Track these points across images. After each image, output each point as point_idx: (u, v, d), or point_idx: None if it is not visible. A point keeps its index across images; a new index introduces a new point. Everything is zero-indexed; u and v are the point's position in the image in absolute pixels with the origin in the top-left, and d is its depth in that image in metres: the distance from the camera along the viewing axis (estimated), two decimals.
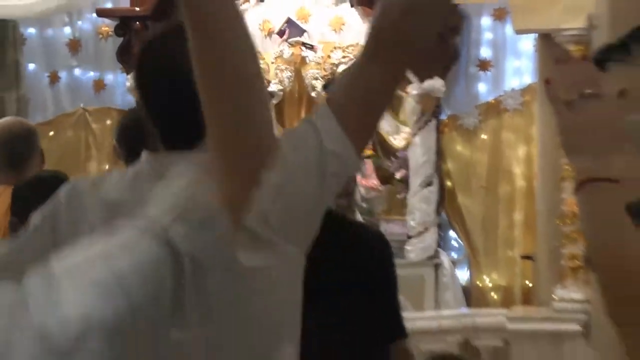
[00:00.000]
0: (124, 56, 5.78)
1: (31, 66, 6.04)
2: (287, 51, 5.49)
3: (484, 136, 5.82)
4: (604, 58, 1.29)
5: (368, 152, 5.57)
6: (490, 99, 5.78)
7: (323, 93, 5.55)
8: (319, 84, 5.53)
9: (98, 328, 0.84)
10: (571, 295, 4.94)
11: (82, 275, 0.86)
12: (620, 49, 1.28)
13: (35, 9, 5.71)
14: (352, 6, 5.58)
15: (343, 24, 5.55)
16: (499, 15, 5.51)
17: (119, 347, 0.85)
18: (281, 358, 1.35)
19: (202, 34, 0.97)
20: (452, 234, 6.16)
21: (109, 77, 6.23)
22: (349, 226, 2.74)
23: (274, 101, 5.63)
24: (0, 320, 0.81)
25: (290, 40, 5.46)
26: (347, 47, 5.57)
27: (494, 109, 5.76)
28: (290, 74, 5.62)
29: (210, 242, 0.93)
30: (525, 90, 5.66)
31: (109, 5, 6.00)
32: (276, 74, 5.63)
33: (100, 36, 6.05)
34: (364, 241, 2.61)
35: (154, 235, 0.87)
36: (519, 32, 5.27)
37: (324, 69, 5.58)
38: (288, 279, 1.34)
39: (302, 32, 5.48)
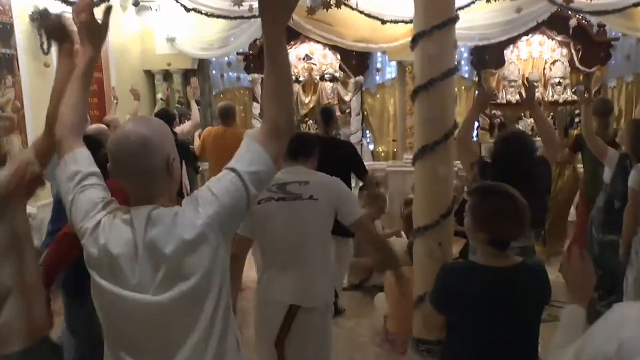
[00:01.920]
0: None
1: None
2: (306, 65, 9.75)
3: (378, 96, 9.60)
4: None
5: (334, 103, 9.33)
6: (381, 82, 9.64)
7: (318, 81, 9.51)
8: (318, 77, 9.66)
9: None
10: (410, 157, 6.50)
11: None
12: None
13: None
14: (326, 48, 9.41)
15: (326, 55, 9.71)
16: (384, 52, 8.68)
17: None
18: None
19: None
20: (368, 132, 9.61)
21: None
22: (336, 140, 5.23)
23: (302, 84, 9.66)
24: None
25: (307, 61, 9.80)
26: (330, 64, 9.60)
27: (382, 86, 9.61)
28: (307, 73, 9.79)
29: (262, 182, 1.49)
30: (394, 79, 9.11)
31: None
32: (302, 72, 9.80)
33: None
34: (341, 143, 4.90)
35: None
36: (392, 59, 8.56)
37: (320, 72, 9.67)
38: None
39: (311, 58, 9.75)
